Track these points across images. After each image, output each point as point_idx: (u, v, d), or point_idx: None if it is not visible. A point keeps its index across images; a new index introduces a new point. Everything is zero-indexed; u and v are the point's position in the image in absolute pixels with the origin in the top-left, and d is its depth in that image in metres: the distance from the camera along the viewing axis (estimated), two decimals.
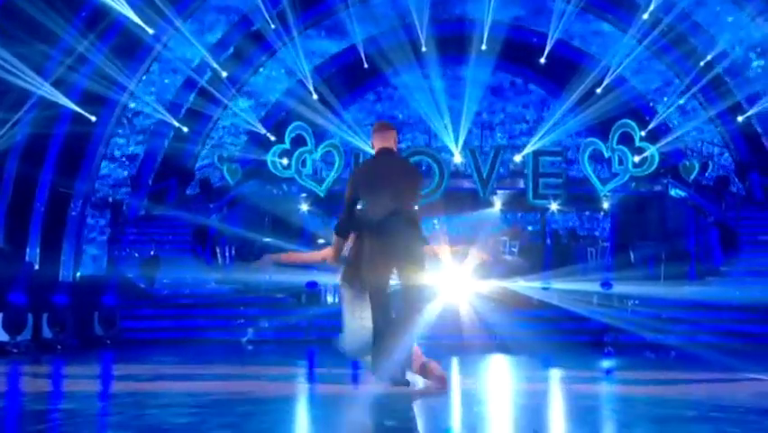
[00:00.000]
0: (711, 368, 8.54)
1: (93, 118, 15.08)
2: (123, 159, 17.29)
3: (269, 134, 17.12)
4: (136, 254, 15.63)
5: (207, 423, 4.29)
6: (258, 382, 6.45)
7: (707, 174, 16.66)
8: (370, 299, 5.90)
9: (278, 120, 17.27)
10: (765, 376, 7.43)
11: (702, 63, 16.32)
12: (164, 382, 6.61)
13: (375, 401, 5.40)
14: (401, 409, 5.07)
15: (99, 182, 16.80)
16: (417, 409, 5.08)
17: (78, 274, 15.66)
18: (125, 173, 17.30)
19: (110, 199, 16.82)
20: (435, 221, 16.57)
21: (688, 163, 16.49)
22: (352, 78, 17.22)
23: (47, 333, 12.90)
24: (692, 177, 16.24)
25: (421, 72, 16.52)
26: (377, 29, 16.95)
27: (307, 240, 15.27)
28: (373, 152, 6.14)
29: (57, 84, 14.20)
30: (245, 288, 14.40)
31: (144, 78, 16.55)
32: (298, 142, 16.10)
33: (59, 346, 12.33)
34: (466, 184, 16.41)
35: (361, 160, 16.26)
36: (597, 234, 17.37)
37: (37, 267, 14.71)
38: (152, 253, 15.32)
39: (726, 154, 17.35)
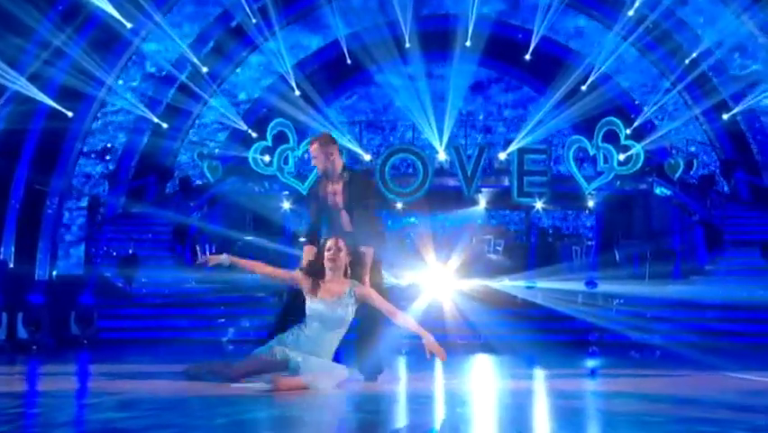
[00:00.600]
0: (695, 367, 8.52)
1: (70, 114, 14.84)
2: (101, 155, 17.03)
3: (250, 131, 16.93)
4: (114, 253, 15.42)
5: (167, 427, 4.10)
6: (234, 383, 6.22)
7: (692, 172, 16.65)
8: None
9: (259, 116, 17.09)
10: (749, 375, 7.37)
11: (687, 61, 16.31)
12: (137, 382, 6.41)
13: (354, 401, 5.25)
14: (382, 409, 4.95)
15: (76, 179, 16.53)
16: (400, 409, 4.95)
17: (55, 273, 15.41)
18: (103, 170, 17.05)
19: (87, 197, 16.56)
20: (412, 218, 16.45)
21: (673, 162, 16.47)
22: (334, 75, 17.07)
23: (22, 333, 12.73)
24: (677, 175, 16.22)
25: (404, 69, 16.40)
26: (360, 25, 16.81)
27: (289, 238, 15.10)
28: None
29: (33, 78, 13.95)
30: (225, 287, 14.21)
31: (122, 73, 16.31)
32: (280, 138, 15.92)
33: (34, 346, 12.16)
34: (450, 182, 16.32)
35: (344, 157, 16.10)
36: (582, 232, 17.32)
37: (12, 265, 14.47)
38: (131, 251, 15.10)
39: (712, 152, 17.34)
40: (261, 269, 6.12)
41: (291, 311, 6.08)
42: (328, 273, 5.86)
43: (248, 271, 6.20)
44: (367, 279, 6.10)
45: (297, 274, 5.98)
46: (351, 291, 5.90)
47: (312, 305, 5.81)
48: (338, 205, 6.09)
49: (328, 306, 5.80)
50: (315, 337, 5.79)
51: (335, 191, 6.08)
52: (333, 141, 6.18)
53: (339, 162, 6.12)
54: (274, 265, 6.36)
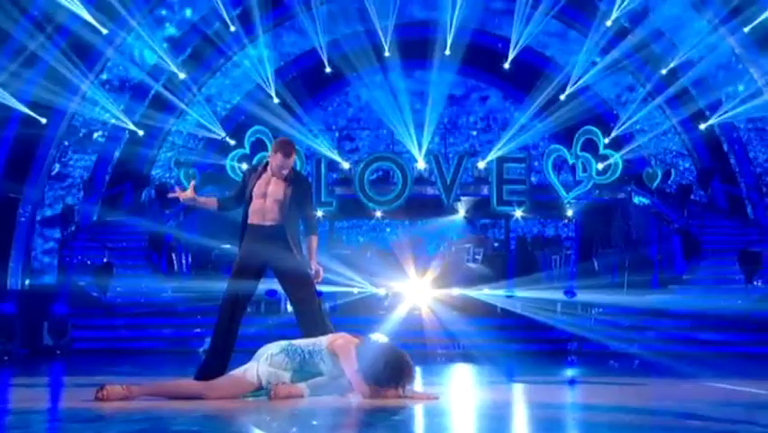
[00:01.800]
0: (674, 376, 8.53)
1: (43, 120, 14.63)
2: (75, 163, 16.81)
3: (227, 138, 16.80)
4: (88, 262, 15.21)
5: None
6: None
7: (670, 182, 16.75)
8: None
9: (237, 124, 16.96)
10: (727, 384, 7.37)
11: (665, 71, 16.41)
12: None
13: (330, 415, 5.16)
14: (361, 422, 4.86)
15: (50, 187, 16.30)
16: (376, 420, 4.87)
17: (27, 282, 15.16)
18: (77, 178, 16.82)
19: (61, 205, 16.33)
20: (389, 227, 16.39)
21: (651, 171, 16.56)
22: (313, 82, 17.00)
23: None
24: (655, 184, 16.31)
25: (384, 77, 16.36)
26: (339, 33, 16.76)
27: None
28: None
29: (5, 86, 13.74)
30: (202, 296, 14.04)
31: (98, 79, 16.12)
32: (259, 146, 15.80)
33: (5, 357, 11.93)
34: (430, 190, 16.28)
35: (322, 165, 16.04)
36: (561, 241, 17.34)
37: None
38: (105, 260, 14.89)
39: (689, 162, 17.45)
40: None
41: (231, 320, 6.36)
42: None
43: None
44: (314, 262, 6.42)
45: None
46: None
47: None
48: (271, 195, 6.37)
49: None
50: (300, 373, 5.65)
51: (273, 184, 6.39)
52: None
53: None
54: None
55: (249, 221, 6.42)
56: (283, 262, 6.35)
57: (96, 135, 16.85)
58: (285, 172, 6.38)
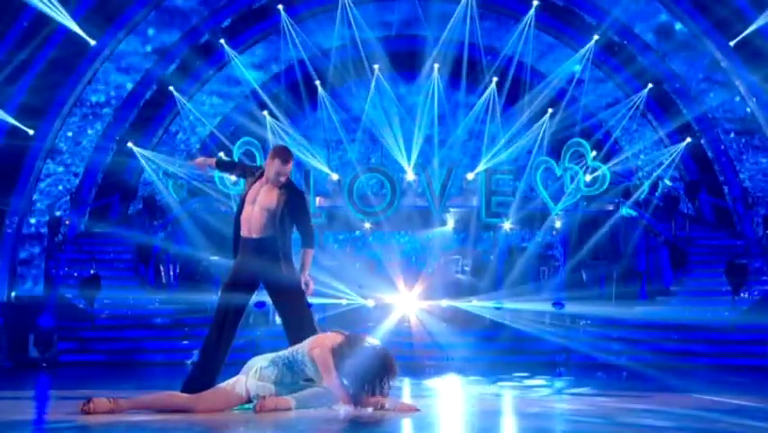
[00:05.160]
0: (661, 388, 8.53)
1: (31, 132, 14.55)
2: (63, 174, 16.73)
3: (216, 150, 16.75)
4: (75, 274, 15.10)
5: None
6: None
7: (657, 194, 16.81)
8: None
9: (226, 135, 16.92)
10: (712, 396, 7.38)
11: (651, 84, 16.51)
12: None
13: (316, 426, 5.12)
14: (344, 431, 4.83)
15: (37, 198, 16.20)
16: (365, 431, 4.84)
17: (13, 294, 15.04)
18: (65, 189, 16.74)
19: (48, 216, 16.23)
20: (380, 238, 16.37)
21: (638, 183, 16.62)
22: (302, 94, 16.99)
23: None
24: (643, 196, 16.36)
25: (373, 89, 16.36)
26: (328, 44, 16.78)
27: None
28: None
29: None
30: (190, 308, 13.98)
31: (86, 90, 16.07)
32: (247, 158, 15.77)
33: None
34: (419, 202, 16.28)
35: (311, 176, 16.02)
36: (549, 253, 17.36)
37: None
38: (92, 272, 14.78)
39: (676, 174, 17.54)
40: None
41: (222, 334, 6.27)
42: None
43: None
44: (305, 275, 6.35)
45: None
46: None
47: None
48: (261, 203, 6.32)
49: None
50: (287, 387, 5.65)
51: (265, 193, 6.35)
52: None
53: None
54: None
55: (240, 232, 6.35)
56: (271, 276, 6.29)
57: (82, 147, 16.77)
58: (282, 180, 6.31)
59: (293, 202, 6.37)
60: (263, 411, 5.39)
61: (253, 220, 6.28)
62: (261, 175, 6.44)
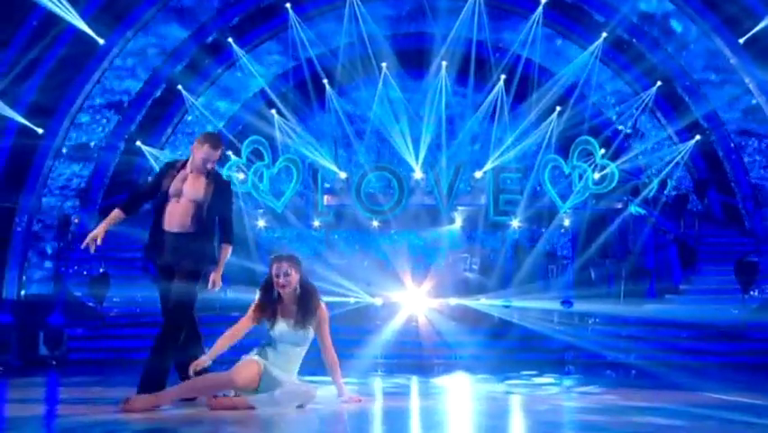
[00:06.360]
0: (670, 386, 8.50)
1: (40, 131, 14.60)
2: (73, 173, 16.78)
3: (224, 148, 16.78)
4: (84, 272, 15.15)
5: None
6: (200, 408, 6.06)
7: (666, 192, 16.74)
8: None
9: (234, 134, 16.94)
10: (721, 394, 7.36)
11: (660, 81, 16.45)
12: (106, 407, 6.21)
13: (325, 425, 5.14)
14: (355, 431, 4.83)
15: (46, 197, 16.26)
16: (374, 429, 4.84)
17: (23, 292, 15.10)
18: (74, 188, 16.79)
19: (57, 215, 16.28)
20: (388, 237, 16.37)
21: (647, 180, 16.56)
22: (310, 92, 16.98)
23: None
24: (651, 194, 16.30)
25: (381, 87, 16.35)
26: (336, 43, 16.77)
27: (264, 256, 14.94)
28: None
29: (2, 95, 13.74)
30: (199, 306, 13.98)
31: (94, 89, 16.12)
32: (255, 156, 15.80)
33: (0, 367, 11.87)
34: (426, 200, 16.26)
35: (319, 175, 16.03)
36: (557, 251, 17.33)
37: None
38: (102, 270, 14.83)
39: (686, 172, 17.46)
40: (230, 339, 6.03)
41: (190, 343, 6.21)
42: (284, 297, 6.04)
43: (224, 350, 6.07)
44: (219, 273, 6.27)
45: (253, 312, 6.07)
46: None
47: (275, 329, 5.99)
48: (182, 195, 6.00)
49: (290, 326, 5.97)
50: (284, 355, 5.95)
51: (191, 183, 6.02)
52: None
53: None
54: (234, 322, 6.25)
55: (163, 226, 6.02)
56: (180, 267, 6.03)
57: (92, 145, 16.82)
58: (210, 166, 6.01)
59: (220, 193, 6.09)
60: (217, 408, 5.62)
61: (180, 214, 5.99)
62: (184, 165, 6.12)
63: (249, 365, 5.80)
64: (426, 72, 16.68)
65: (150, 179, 6.52)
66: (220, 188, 6.11)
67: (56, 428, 5.13)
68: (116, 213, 6.17)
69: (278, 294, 6.04)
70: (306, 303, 6.02)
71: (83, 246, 6.07)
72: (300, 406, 5.78)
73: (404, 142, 16.27)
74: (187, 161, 6.16)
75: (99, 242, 6.05)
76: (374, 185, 15.92)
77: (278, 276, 6.01)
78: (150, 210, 6.36)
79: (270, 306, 6.03)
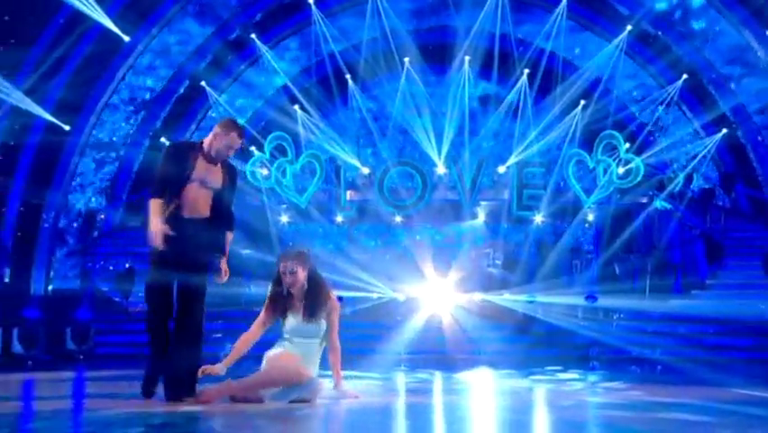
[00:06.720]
0: (696, 382, 8.44)
1: (67, 127, 14.76)
2: (98, 169, 16.96)
3: (247, 144, 16.85)
4: (111, 267, 15.31)
5: None
6: (222, 403, 6.11)
7: (692, 186, 16.58)
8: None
9: (257, 129, 17.01)
10: (750, 390, 7.28)
11: (686, 74, 16.26)
12: (132, 401, 6.27)
13: (347, 419, 5.15)
14: (378, 427, 4.85)
15: (73, 193, 16.45)
16: (395, 426, 4.84)
17: (50, 288, 15.30)
18: (100, 184, 16.96)
19: (83, 211, 16.47)
20: (411, 232, 16.36)
21: (672, 175, 16.40)
22: (333, 88, 17.01)
23: (17, 348, 12.64)
24: (677, 189, 16.14)
25: (404, 81, 16.33)
26: (358, 38, 16.77)
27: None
28: None
29: (29, 92, 13.90)
30: (223, 301, 14.08)
31: (120, 86, 16.27)
32: (278, 152, 15.86)
33: (29, 362, 12.04)
34: (449, 195, 16.24)
35: (342, 170, 16.06)
36: (581, 246, 17.22)
37: (7, 281, 14.39)
38: (127, 265, 14.98)
39: (712, 166, 17.27)
40: (247, 343, 6.05)
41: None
42: (293, 292, 6.10)
43: (243, 354, 6.08)
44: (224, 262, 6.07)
45: (265, 311, 6.14)
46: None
47: (288, 325, 6.06)
48: (205, 182, 5.87)
49: (300, 320, 6.04)
50: (300, 348, 5.99)
51: (209, 170, 5.90)
52: None
53: None
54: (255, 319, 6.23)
55: (183, 212, 5.80)
56: (194, 257, 5.85)
57: (117, 142, 16.98)
58: (231, 154, 5.96)
59: (232, 180, 6.05)
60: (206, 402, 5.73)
61: (200, 200, 5.88)
62: (200, 150, 5.92)
63: (292, 356, 5.92)
64: (449, 67, 16.63)
65: (165, 162, 5.86)
66: (232, 176, 6.08)
67: (83, 422, 5.20)
68: (159, 204, 5.78)
69: (288, 290, 6.09)
70: (313, 297, 6.07)
71: (161, 248, 5.70)
72: (307, 400, 5.80)
73: (426, 137, 16.24)
74: (199, 144, 6.02)
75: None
76: (397, 180, 15.92)
77: (284, 274, 6.07)
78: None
79: (281, 302, 6.10)
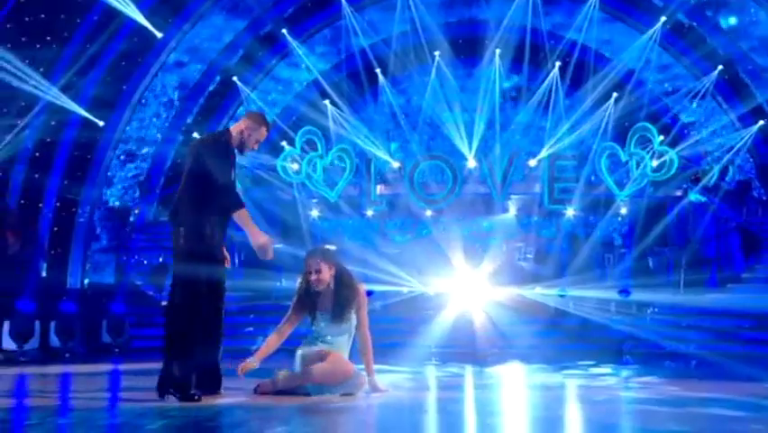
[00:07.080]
0: (732, 377, 8.34)
1: (101, 123, 14.95)
2: (132, 164, 17.16)
3: (279, 139, 16.93)
4: (145, 261, 15.49)
5: None
6: (249, 396, 6.14)
7: (727, 178, 16.32)
8: None
9: (288, 124, 17.09)
10: None
11: (722, 65, 16.00)
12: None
13: (380, 413, 5.17)
14: (408, 423, 4.86)
15: (107, 188, 16.66)
16: (427, 420, 4.85)
17: (86, 281, 15.53)
18: (134, 179, 17.16)
19: (118, 205, 16.68)
20: (442, 225, 16.33)
21: (708, 167, 16.17)
22: (363, 82, 17.01)
23: (54, 341, 12.86)
24: (713, 181, 15.90)
25: (434, 75, 16.28)
26: (388, 32, 16.75)
27: (317, 245, 15.06)
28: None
29: (65, 89, 14.09)
30: (255, 295, 14.20)
31: (153, 81, 16.42)
32: (309, 146, 15.93)
33: (66, 355, 12.25)
34: (480, 189, 16.19)
35: (372, 164, 16.06)
36: (614, 239, 17.05)
37: (44, 274, 14.62)
38: (161, 259, 15.16)
39: (748, 158, 16.98)
40: (277, 340, 6.22)
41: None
42: (320, 290, 6.15)
43: (273, 349, 6.24)
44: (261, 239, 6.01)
45: (293, 308, 6.24)
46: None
47: (316, 323, 6.15)
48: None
49: (329, 319, 6.10)
50: (329, 345, 6.07)
51: (233, 164, 6.01)
52: None
53: None
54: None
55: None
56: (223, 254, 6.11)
57: (151, 137, 17.16)
58: (256, 148, 6.12)
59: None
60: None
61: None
62: (228, 142, 5.94)
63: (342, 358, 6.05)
64: (480, 60, 16.55)
65: (227, 164, 5.86)
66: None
67: (118, 413, 5.28)
68: (246, 213, 6.05)
69: (315, 289, 6.15)
70: (341, 296, 6.10)
71: (268, 257, 6.00)
72: (352, 394, 5.85)
73: (457, 131, 16.19)
74: (228, 135, 6.00)
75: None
76: (427, 174, 15.90)
77: (310, 273, 6.14)
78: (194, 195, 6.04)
79: (309, 300, 6.16)
